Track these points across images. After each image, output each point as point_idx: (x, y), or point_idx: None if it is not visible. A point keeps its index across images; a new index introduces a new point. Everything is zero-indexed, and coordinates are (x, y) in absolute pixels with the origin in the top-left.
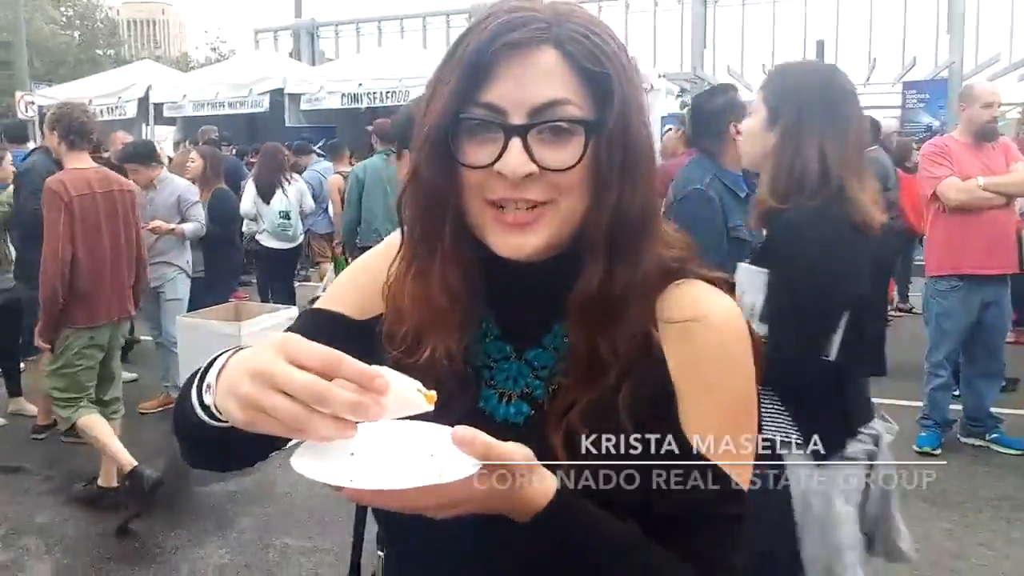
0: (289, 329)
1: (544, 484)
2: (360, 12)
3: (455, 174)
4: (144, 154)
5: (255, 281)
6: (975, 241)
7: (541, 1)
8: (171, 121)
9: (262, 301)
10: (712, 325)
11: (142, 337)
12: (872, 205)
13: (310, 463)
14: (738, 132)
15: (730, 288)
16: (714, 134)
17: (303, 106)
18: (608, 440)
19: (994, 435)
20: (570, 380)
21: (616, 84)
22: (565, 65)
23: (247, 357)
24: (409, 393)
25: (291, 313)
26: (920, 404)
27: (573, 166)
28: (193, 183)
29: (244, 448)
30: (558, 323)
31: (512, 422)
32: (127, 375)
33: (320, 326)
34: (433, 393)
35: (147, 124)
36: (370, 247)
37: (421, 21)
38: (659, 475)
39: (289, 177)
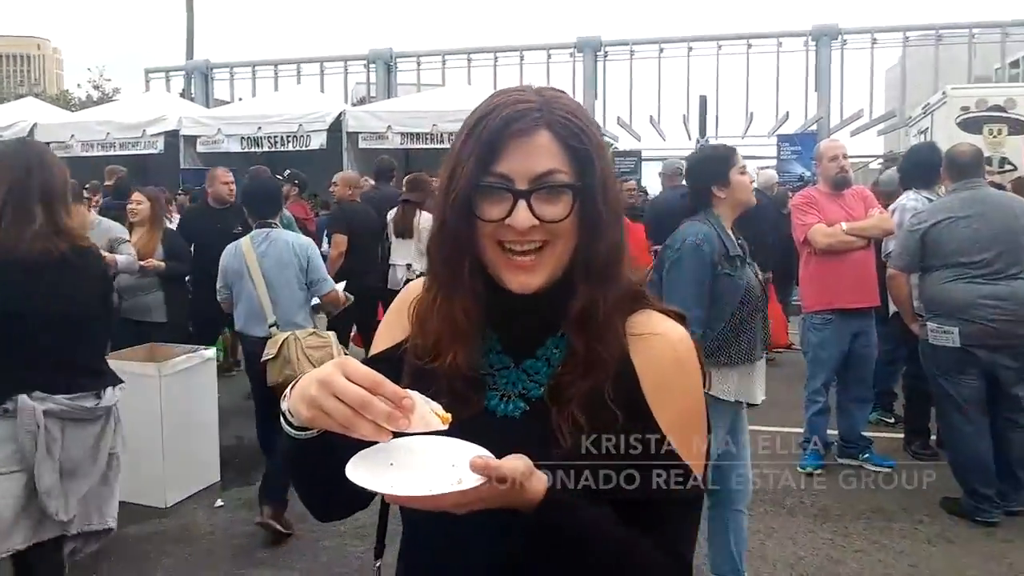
0: None
1: (539, 484)
2: (255, 55)
3: (474, 225)
4: (77, 195)
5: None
6: (843, 279)
7: (531, 89)
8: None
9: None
10: (667, 340)
11: None
12: None
13: (360, 474)
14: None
15: (681, 318)
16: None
17: (199, 148)
18: (596, 435)
19: (866, 455)
20: (569, 376)
21: (594, 156)
22: (555, 143)
23: (315, 371)
24: (429, 415)
25: (208, 354)
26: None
27: (565, 218)
28: (139, 226)
29: (331, 475)
30: (549, 338)
31: (511, 417)
32: None
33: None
34: (448, 415)
35: None
36: None
37: (319, 66)
38: (633, 466)
39: (170, 218)
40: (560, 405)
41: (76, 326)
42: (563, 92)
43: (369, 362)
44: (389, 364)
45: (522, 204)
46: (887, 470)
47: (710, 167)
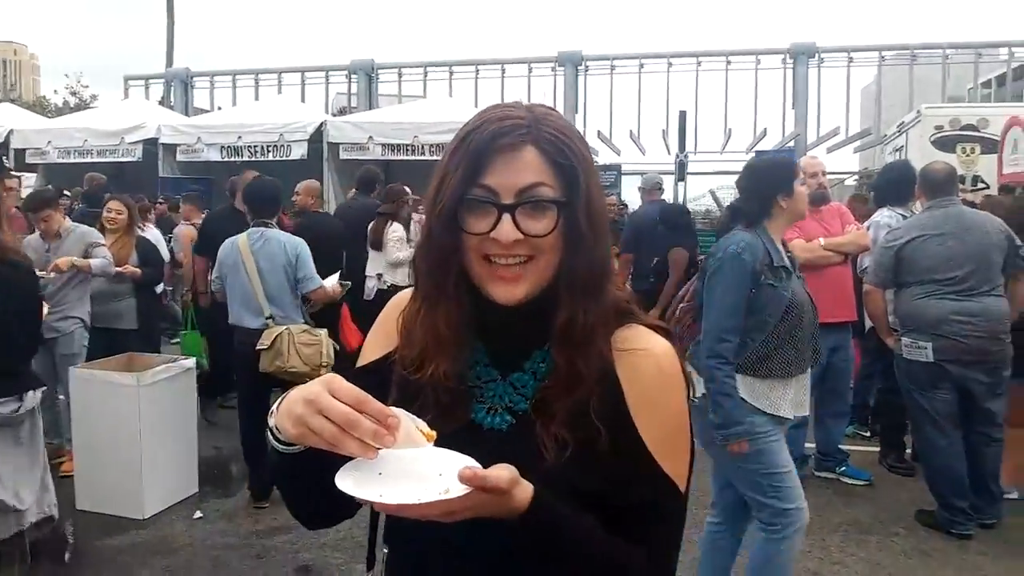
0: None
1: (525, 492)
2: (235, 64)
3: (459, 238)
4: (54, 200)
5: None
6: (822, 294)
7: (522, 105)
8: (31, 168)
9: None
10: (653, 355)
11: None
12: None
13: (349, 484)
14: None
15: (667, 333)
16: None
17: (179, 157)
18: (580, 449)
19: (843, 468)
20: (553, 391)
21: (580, 173)
22: (541, 159)
23: (302, 388)
24: (414, 433)
25: (188, 364)
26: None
27: (549, 233)
28: (112, 232)
29: (319, 487)
30: (536, 351)
31: (497, 429)
32: None
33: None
34: (433, 432)
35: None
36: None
37: (300, 76)
38: (617, 480)
39: (142, 227)
40: (544, 419)
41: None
42: (553, 110)
43: (358, 372)
44: (377, 375)
45: (507, 218)
46: (863, 483)
47: (777, 176)
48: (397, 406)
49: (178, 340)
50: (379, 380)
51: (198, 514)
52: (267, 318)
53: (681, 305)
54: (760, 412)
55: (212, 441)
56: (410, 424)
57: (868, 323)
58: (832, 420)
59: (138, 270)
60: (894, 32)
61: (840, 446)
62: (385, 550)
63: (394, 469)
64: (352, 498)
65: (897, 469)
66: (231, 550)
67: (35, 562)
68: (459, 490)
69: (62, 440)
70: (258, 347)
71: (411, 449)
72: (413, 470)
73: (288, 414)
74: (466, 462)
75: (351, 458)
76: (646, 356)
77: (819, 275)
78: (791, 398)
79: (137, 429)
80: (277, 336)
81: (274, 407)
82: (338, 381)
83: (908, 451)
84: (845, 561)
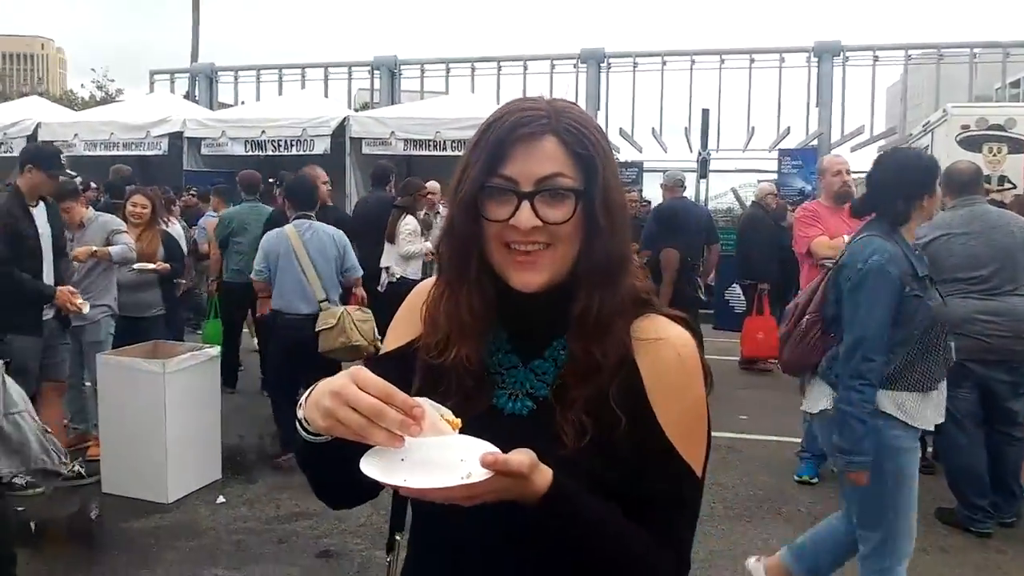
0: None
1: (544, 477)
2: (259, 59)
3: (480, 225)
4: (75, 191)
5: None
6: None
7: (543, 99)
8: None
9: None
10: (671, 344)
11: None
12: None
13: (375, 470)
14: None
15: (687, 324)
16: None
17: (204, 150)
18: (599, 436)
19: None
20: (571, 379)
21: (599, 164)
22: (561, 149)
23: (329, 381)
24: (439, 422)
25: (212, 352)
26: (799, 440)
27: (567, 221)
28: (137, 227)
29: (345, 472)
30: (557, 339)
31: (518, 415)
32: None
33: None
34: (458, 420)
35: None
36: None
37: (323, 71)
38: (635, 466)
39: (166, 220)
40: (564, 406)
41: None
42: (574, 104)
43: (382, 359)
44: (402, 361)
45: (525, 205)
46: None
47: (927, 173)
48: (421, 392)
49: (201, 331)
50: (403, 367)
51: (221, 499)
52: (321, 301)
53: (807, 317)
54: (906, 426)
55: (235, 428)
56: (435, 413)
57: None
58: None
59: (168, 266)
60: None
61: None
62: (398, 537)
63: (417, 455)
64: (375, 481)
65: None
66: (253, 535)
67: (61, 543)
68: (480, 474)
69: (88, 425)
70: (320, 327)
71: (434, 436)
72: (435, 456)
73: (316, 406)
74: (487, 448)
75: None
76: (665, 345)
77: None
78: (933, 406)
79: (162, 415)
80: (340, 316)
81: (302, 399)
82: (364, 373)
83: (929, 449)
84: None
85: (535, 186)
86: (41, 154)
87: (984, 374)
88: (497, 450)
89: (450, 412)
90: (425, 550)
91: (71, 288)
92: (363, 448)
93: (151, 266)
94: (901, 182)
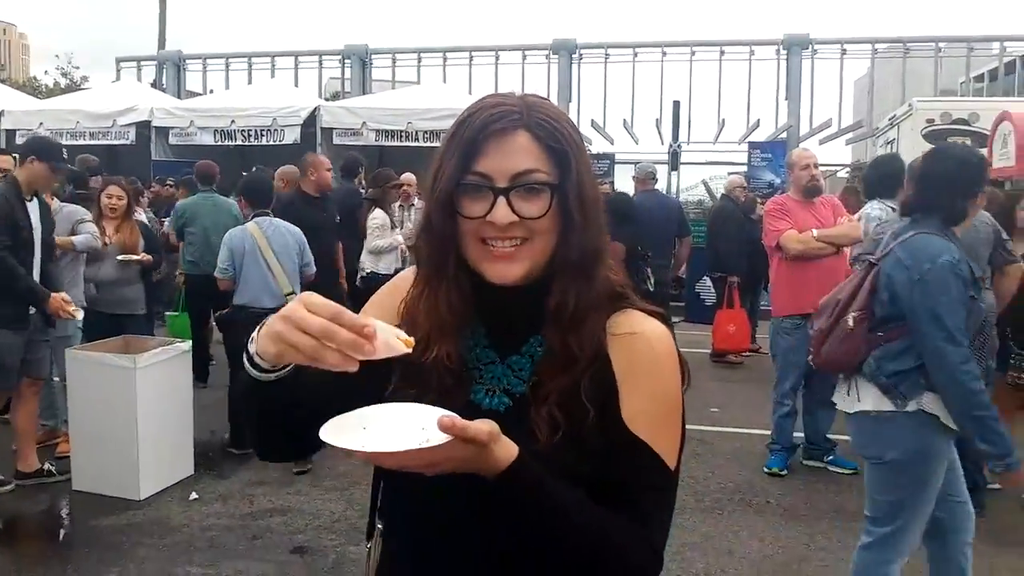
0: None
1: (507, 450)
2: (228, 47)
3: (457, 222)
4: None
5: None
6: (812, 284)
7: (514, 95)
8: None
9: None
10: (645, 339)
11: None
12: None
13: (332, 435)
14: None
15: (663, 319)
16: None
17: (172, 140)
18: (570, 429)
19: (830, 457)
20: (548, 372)
21: (572, 158)
22: (534, 143)
23: (279, 310)
24: (392, 340)
25: (184, 347)
26: (768, 432)
27: (543, 215)
28: (114, 219)
29: (289, 417)
30: (534, 336)
31: (495, 410)
32: None
33: None
34: (411, 339)
35: None
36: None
37: (294, 60)
38: (604, 451)
39: (136, 210)
40: (539, 401)
41: None
42: (547, 99)
43: None
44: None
45: (501, 201)
46: (850, 472)
47: (980, 172)
48: (398, 388)
49: (164, 323)
50: (379, 362)
51: (194, 495)
52: (287, 294)
53: (852, 314)
54: (946, 429)
55: (207, 423)
56: (388, 332)
57: None
58: (820, 410)
59: (151, 257)
60: (888, 25)
61: (828, 436)
62: (379, 525)
63: (377, 423)
64: (312, 439)
65: None
66: (227, 531)
67: (30, 541)
68: (439, 439)
69: (57, 421)
70: None
71: (396, 405)
72: (396, 423)
73: (268, 334)
74: (448, 415)
75: (331, 390)
76: (639, 339)
77: (811, 266)
78: None
79: (133, 411)
80: None
81: (253, 334)
82: (313, 297)
83: None
84: (831, 548)
85: (510, 182)
86: (44, 146)
87: None
88: (456, 415)
89: (403, 332)
90: (394, 525)
91: (65, 296)
92: (312, 395)
93: (135, 257)
94: (962, 179)
